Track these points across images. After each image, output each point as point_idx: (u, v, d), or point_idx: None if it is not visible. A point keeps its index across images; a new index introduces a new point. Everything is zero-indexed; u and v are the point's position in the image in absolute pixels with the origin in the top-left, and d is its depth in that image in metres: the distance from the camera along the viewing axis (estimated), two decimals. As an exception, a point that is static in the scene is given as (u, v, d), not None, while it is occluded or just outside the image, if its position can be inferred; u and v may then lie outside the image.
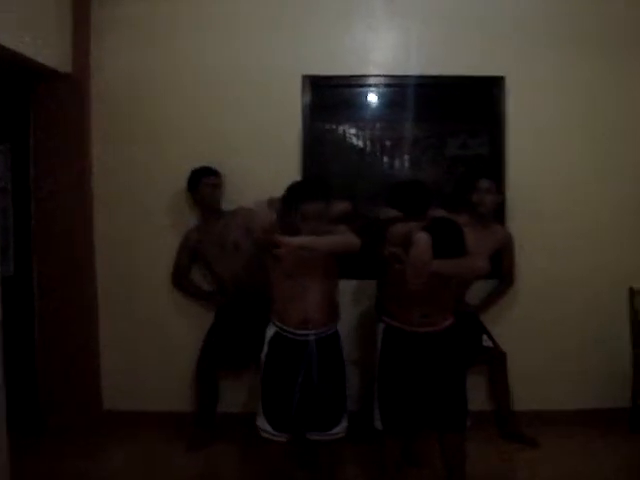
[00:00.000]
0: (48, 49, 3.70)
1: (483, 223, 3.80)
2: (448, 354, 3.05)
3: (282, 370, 2.93)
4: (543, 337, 4.12)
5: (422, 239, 2.75)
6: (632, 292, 4.00)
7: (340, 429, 2.99)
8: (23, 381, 4.01)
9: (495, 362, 3.92)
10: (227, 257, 3.84)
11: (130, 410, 4.13)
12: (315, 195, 2.89)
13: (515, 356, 3.94)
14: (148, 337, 4.15)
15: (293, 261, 2.85)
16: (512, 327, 4.04)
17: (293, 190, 2.97)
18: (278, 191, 3.17)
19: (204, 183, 3.85)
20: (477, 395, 4.03)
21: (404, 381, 3.02)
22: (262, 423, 2.96)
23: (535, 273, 4.08)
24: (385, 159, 4.14)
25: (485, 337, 3.89)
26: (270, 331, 3.00)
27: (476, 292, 3.98)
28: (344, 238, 2.93)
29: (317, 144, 4.10)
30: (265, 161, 4.02)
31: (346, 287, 3.88)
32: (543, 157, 4.08)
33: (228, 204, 3.96)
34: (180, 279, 4.01)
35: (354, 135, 4.14)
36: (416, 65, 4.02)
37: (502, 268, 3.93)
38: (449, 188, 4.13)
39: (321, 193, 2.92)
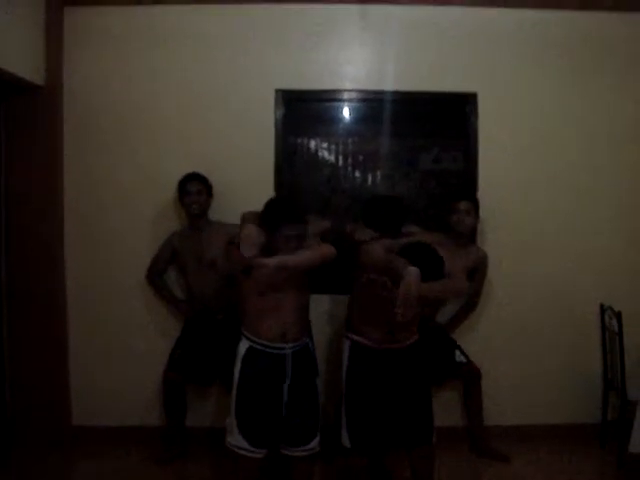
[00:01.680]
0: (21, 60, 3.69)
1: (460, 243, 3.81)
2: (413, 370, 3.07)
3: (258, 384, 2.90)
4: (514, 353, 4.13)
5: (413, 274, 2.68)
6: (603, 309, 4.02)
7: (315, 443, 2.98)
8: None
9: (469, 378, 3.91)
10: (202, 272, 3.82)
11: (99, 425, 4.09)
12: (296, 217, 2.90)
13: (486, 371, 3.94)
14: (117, 352, 4.11)
15: (267, 279, 2.83)
16: (483, 342, 4.05)
17: (272, 211, 2.95)
18: (253, 204, 3.16)
19: (187, 189, 3.82)
20: (450, 411, 4.06)
21: (371, 398, 3.02)
22: (237, 440, 2.90)
23: (506, 289, 4.10)
24: (358, 173, 4.15)
25: (458, 352, 3.88)
26: (243, 346, 2.95)
27: (441, 310, 4.00)
28: (319, 251, 2.95)
29: (290, 158, 4.11)
30: (239, 174, 4.02)
31: (319, 302, 3.90)
32: (515, 173, 4.11)
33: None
34: (154, 275, 3.98)
35: (327, 149, 4.15)
36: (389, 81, 4.04)
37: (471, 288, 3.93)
38: (422, 203, 4.15)
39: (301, 214, 2.94)
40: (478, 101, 4.08)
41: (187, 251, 3.86)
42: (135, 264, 4.00)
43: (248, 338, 2.94)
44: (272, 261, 2.75)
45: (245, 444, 2.88)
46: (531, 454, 3.91)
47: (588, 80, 4.10)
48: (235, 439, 2.90)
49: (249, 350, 2.92)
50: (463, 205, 3.80)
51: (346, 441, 3.06)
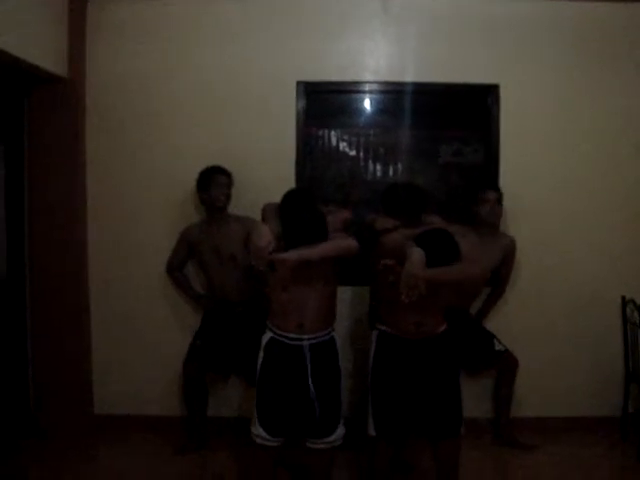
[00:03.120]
0: (44, 52, 3.71)
1: (485, 232, 3.81)
2: (442, 360, 3.00)
3: (277, 375, 2.90)
4: (535, 345, 4.12)
5: (415, 254, 2.72)
6: (624, 301, 4.00)
7: (336, 437, 2.96)
8: (15, 385, 4.02)
9: (506, 366, 3.92)
10: (222, 266, 3.82)
11: (121, 414, 4.13)
12: (314, 208, 2.93)
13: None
14: (139, 342, 4.15)
15: (290, 273, 2.83)
16: (505, 335, 4.03)
17: (290, 201, 3.00)
18: (273, 196, 3.20)
19: (216, 181, 3.78)
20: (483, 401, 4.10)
21: (398, 388, 2.97)
22: (257, 429, 2.91)
23: (528, 281, 4.09)
24: (378, 165, 4.16)
25: (496, 341, 3.90)
26: (266, 337, 2.97)
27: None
28: (339, 243, 2.90)
29: (311, 150, 4.13)
30: (260, 166, 4.02)
31: (341, 294, 3.89)
32: (537, 165, 4.09)
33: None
34: (173, 270, 4.00)
35: (347, 141, 4.16)
36: (410, 72, 4.04)
37: (500, 275, 3.94)
38: (442, 195, 4.14)
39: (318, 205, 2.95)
40: (500, 93, 4.06)
41: (205, 245, 3.85)
42: (156, 257, 4.02)
43: (271, 329, 2.95)
44: (292, 255, 2.74)
45: (263, 432, 2.89)
46: (552, 446, 3.91)
47: (612, 73, 4.07)
48: (255, 428, 2.92)
49: (270, 341, 2.94)
50: (492, 195, 3.81)
51: (372, 430, 3.02)
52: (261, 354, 2.96)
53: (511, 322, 4.10)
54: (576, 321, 4.14)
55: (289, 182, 3.93)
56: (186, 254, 3.96)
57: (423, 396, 2.96)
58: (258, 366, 2.96)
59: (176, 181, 4.02)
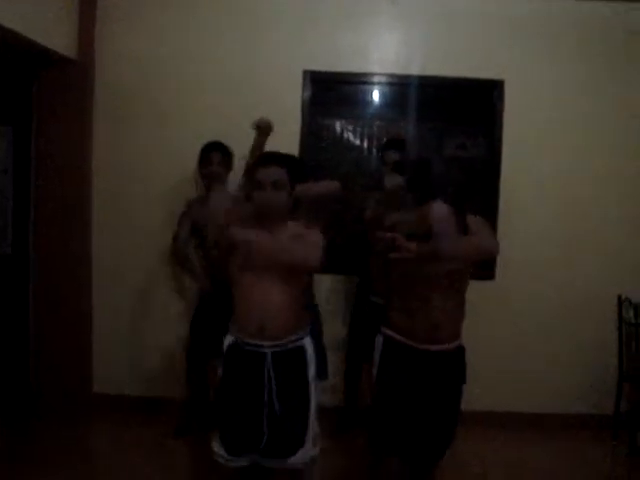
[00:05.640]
0: (54, 34, 3.75)
1: None
2: (454, 381, 2.65)
3: (237, 387, 2.47)
4: (531, 342, 4.16)
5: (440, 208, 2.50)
6: (620, 300, 4.03)
7: (297, 459, 2.47)
8: (15, 363, 4.09)
9: None
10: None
11: (119, 394, 4.19)
12: (274, 160, 2.47)
13: (504, 360, 3.97)
14: (140, 322, 4.20)
15: (248, 257, 2.43)
16: (502, 331, 4.07)
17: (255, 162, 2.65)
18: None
19: (208, 159, 3.73)
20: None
21: (401, 406, 2.59)
22: (216, 446, 2.50)
23: (525, 277, 4.12)
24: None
25: None
26: (227, 341, 2.54)
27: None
28: (303, 250, 2.42)
29: (316, 139, 4.16)
30: (264, 154, 4.05)
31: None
32: (539, 161, 4.12)
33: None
34: (178, 251, 3.86)
35: (352, 132, 4.18)
36: (417, 65, 4.06)
37: None
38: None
39: (283, 160, 2.48)
40: (505, 88, 4.08)
41: (204, 222, 3.75)
42: (160, 237, 4.06)
43: (232, 332, 2.53)
44: (240, 235, 2.40)
45: (222, 451, 2.48)
46: (544, 442, 3.95)
47: (618, 72, 4.09)
48: (215, 444, 2.51)
49: (232, 346, 2.52)
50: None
51: (373, 445, 2.73)
52: (221, 361, 2.55)
53: (508, 319, 4.13)
54: (572, 319, 4.17)
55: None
56: (190, 228, 3.83)
57: (426, 419, 2.60)
58: (218, 374, 2.57)
59: (184, 163, 4.04)
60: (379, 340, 2.67)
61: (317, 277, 3.91)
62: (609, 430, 4.04)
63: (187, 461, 3.64)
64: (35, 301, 4.13)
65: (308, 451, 2.50)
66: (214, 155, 3.75)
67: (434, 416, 2.59)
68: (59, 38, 3.80)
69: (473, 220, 2.58)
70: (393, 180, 3.06)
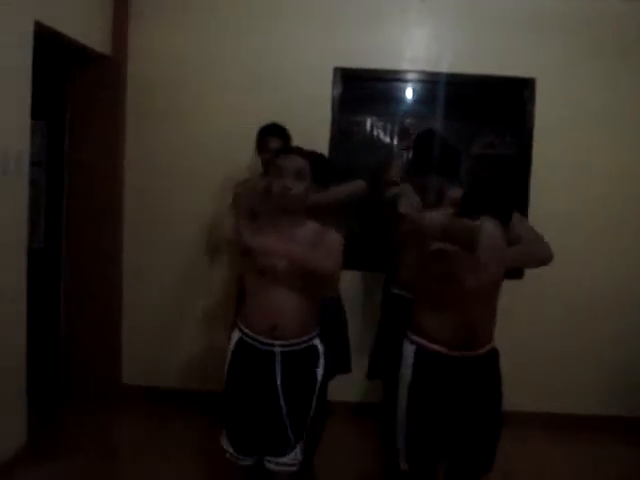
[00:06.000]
0: (89, 30, 3.80)
1: None
2: (491, 386, 2.52)
3: (244, 384, 2.42)
4: (551, 343, 4.14)
5: (489, 228, 2.29)
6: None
7: (289, 459, 2.41)
8: (47, 353, 4.14)
9: None
10: None
11: (149, 385, 4.25)
12: (298, 150, 2.43)
13: (522, 359, 3.94)
14: (171, 316, 4.27)
15: (267, 259, 2.34)
16: (520, 330, 4.03)
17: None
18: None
19: (267, 143, 3.47)
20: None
21: (437, 418, 2.44)
22: (224, 442, 2.48)
23: (553, 276, 4.06)
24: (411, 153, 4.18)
25: None
26: (234, 337, 2.48)
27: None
28: (317, 258, 2.31)
29: (346, 136, 4.17)
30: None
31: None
32: (570, 161, 4.09)
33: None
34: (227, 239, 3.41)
35: (382, 129, 4.19)
36: (447, 63, 4.05)
37: None
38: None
39: (307, 154, 2.42)
40: (536, 87, 4.06)
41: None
42: (191, 232, 4.12)
43: (239, 328, 2.47)
44: (254, 242, 2.29)
45: (230, 448, 2.45)
46: (560, 442, 3.93)
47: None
48: (224, 441, 2.48)
49: (239, 342, 2.46)
50: None
51: (404, 465, 2.52)
52: (228, 356, 2.49)
53: (537, 319, 4.12)
54: (602, 320, 4.14)
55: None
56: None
57: (465, 429, 2.46)
58: (225, 371, 2.50)
59: (213, 159, 4.09)
60: (409, 349, 2.49)
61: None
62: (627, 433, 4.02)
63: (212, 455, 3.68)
64: (66, 294, 4.20)
65: (299, 452, 2.43)
66: (272, 140, 3.46)
67: (477, 424, 2.45)
68: (94, 35, 3.85)
69: (521, 225, 2.50)
70: (408, 205, 2.97)
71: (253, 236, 2.30)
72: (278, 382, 2.36)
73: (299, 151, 2.42)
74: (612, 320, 4.14)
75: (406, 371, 2.48)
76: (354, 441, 3.88)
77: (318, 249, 2.31)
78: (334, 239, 2.38)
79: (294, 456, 2.41)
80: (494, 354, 2.53)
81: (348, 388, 3.96)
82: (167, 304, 4.27)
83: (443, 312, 2.42)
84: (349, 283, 4.09)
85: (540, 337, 4.10)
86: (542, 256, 2.52)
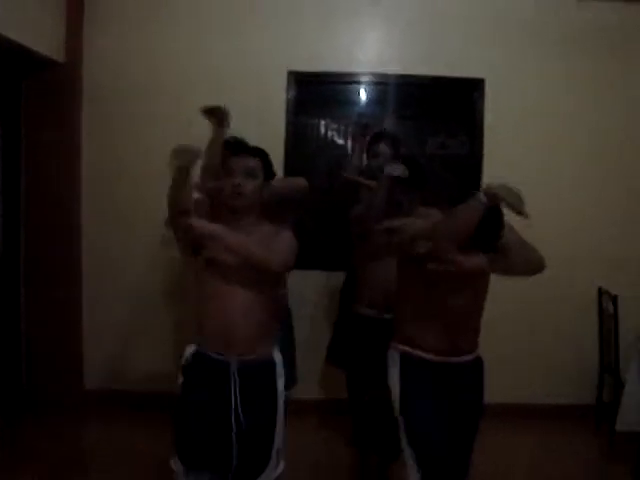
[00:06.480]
0: (41, 37, 3.81)
1: None
2: (474, 396, 2.49)
3: (199, 400, 2.27)
4: (513, 333, 4.24)
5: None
6: (600, 292, 4.11)
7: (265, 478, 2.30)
8: (7, 360, 4.14)
9: None
10: None
11: (111, 389, 4.25)
12: (247, 149, 2.41)
13: (485, 350, 4.01)
14: (132, 318, 4.28)
15: (215, 257, 2.24)
16: (484, 320, 4.13)
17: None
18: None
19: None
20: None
21: (432, 421, 2.38)
22: (175, 462, 2.30)
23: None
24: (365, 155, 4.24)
25: None
26: (189, 350, 2.35)
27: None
28: (262, 251, 2.20)
29: (301, 138, 4.24)
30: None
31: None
32: (520, 160, 4.19)
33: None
34: None
35: (337, 131, 4.26)
36: (399, 64, 4.16)
37: None
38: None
39: (257, 151, 2.38)
40: (485, 87, 4.17)
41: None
42: (151, 233, 4.12)
43: (195, 341, 2.35)
44: (209, 226, 2.17)
45: (181, 468, 2.28)
46: (527, 433, 4.04)
47: (599, 66, 4.20)
48: (174, 462, 2.31)
49: (194, 355, 2.33)
50: None
51: (416, 476, 2.36)
52: (180, 373, 2.36)
53: (487, 309, 4.19)
54: (553, 311, 4.26)
55: (277, 169, 4.00)
56: None
57: (454, 434, 2.41)
58: (178, 385, 2.36)
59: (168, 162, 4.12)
60: (394, 357, 2.47)
61: (300, 274, 3.97)
62: (592, 421, 4.15)
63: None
64: (25, 298, 4.19)
65: (272, 470, 2.32)
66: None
67: (458, 432, 2.42)
68: (46, 41, 3.87)
69: (512, 235, 2.43)
70: (396, 169, 2.83)
71: (203, 223, 2.18)
72: (233, 398, 2.24)
73: (248, 147, 2.43)
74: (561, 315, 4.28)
75: (394, 379, 2.45)
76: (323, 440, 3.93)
77: (267, 245, 2.23)
78: (285, 237, 2.31)
79: (269, 473, 2.30)
80: (479, 363, 2.50)
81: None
82: (129, 307, 4.28)
83: (425, 317, 2.38)
84: (311, 284, 4.20)
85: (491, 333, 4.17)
86: (540, 266, 2.51)
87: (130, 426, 3.97)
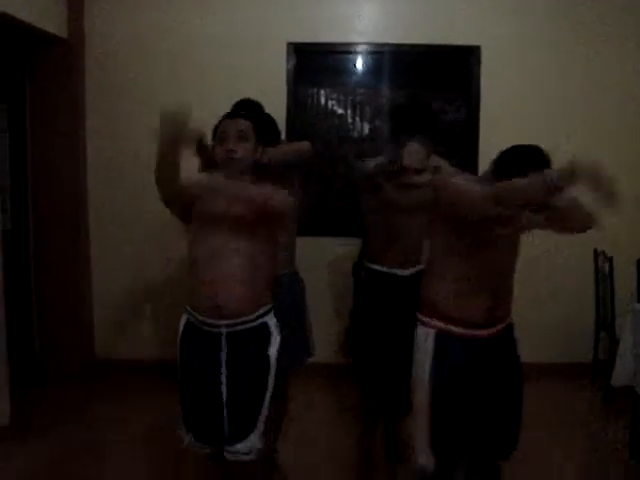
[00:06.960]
0: (44, 14, 3.88)
1: None
2: (512, 362, 2.35)
3: (193, 370, 2.28)
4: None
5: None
6: (596, 253, 4.22)
7: (244, 447, 2.23)
8: (20, 331, 4.24)
9: None
10: None
11: (121, 359, 4.37)
12: (239, 113, 2.37)
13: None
14: (140, 286, 4.40)
15: (204, 200, 2.23)
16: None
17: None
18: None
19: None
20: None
21: (463, 406, 2.22)
22: (181, 431, 2.35)
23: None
24: (365, 123, 4.35)
25: None
26: (182, 321, 2.34)
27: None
28: (267, 192, 2.18)
29: (301, 109, 4.32)
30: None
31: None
32: (516, 125, 4.21)
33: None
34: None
35: (336, 100, 4.34)
36: (396, 34, 4.23)
37: None
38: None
39: (250, 114, 2.34)
40: (481, 54, 4.24)
41: None
42: (157, 208, 4.18)
43: (186, 309, 2.32)
44: (198, 177, 2.18)
45: (187, 436, 2.33)
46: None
47: (593, 36, 4.26)
48: (180, 429, 2.36)
49: (186, 325, 2.32)
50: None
51: (428, 458, 2.25)
52: (177, 342, 2.35)
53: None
54: (550, 271, 4.38)
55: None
56: None
57: (491, 409, 2.26)
58: (177, 355, 2.36)
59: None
60: (428, 334, 2.23)
61: (315, 242, 4.07)
62: (587, 378, 4.29)
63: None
64: (36, 271, 4.31)
65: (256, 440, 2.24)
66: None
67: (503, 406, 2.27)
68: (49, 18, 3.93)
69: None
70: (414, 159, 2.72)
71: (200, 179, 2.19)
72: (222, 367, 2.21)
73: (241, 110, 2.43)
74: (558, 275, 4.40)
75: (424, 359, 2.22)
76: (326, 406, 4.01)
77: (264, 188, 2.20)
78: (282, 192, 2.21)
79: (249, 444, 2.23)
80: (510, 328, 2.35)
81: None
82: (139, 277, 4.39)
83: (463, 286, 2.18)
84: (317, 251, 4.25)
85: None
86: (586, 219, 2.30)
87: (140, 395, 4.06)
